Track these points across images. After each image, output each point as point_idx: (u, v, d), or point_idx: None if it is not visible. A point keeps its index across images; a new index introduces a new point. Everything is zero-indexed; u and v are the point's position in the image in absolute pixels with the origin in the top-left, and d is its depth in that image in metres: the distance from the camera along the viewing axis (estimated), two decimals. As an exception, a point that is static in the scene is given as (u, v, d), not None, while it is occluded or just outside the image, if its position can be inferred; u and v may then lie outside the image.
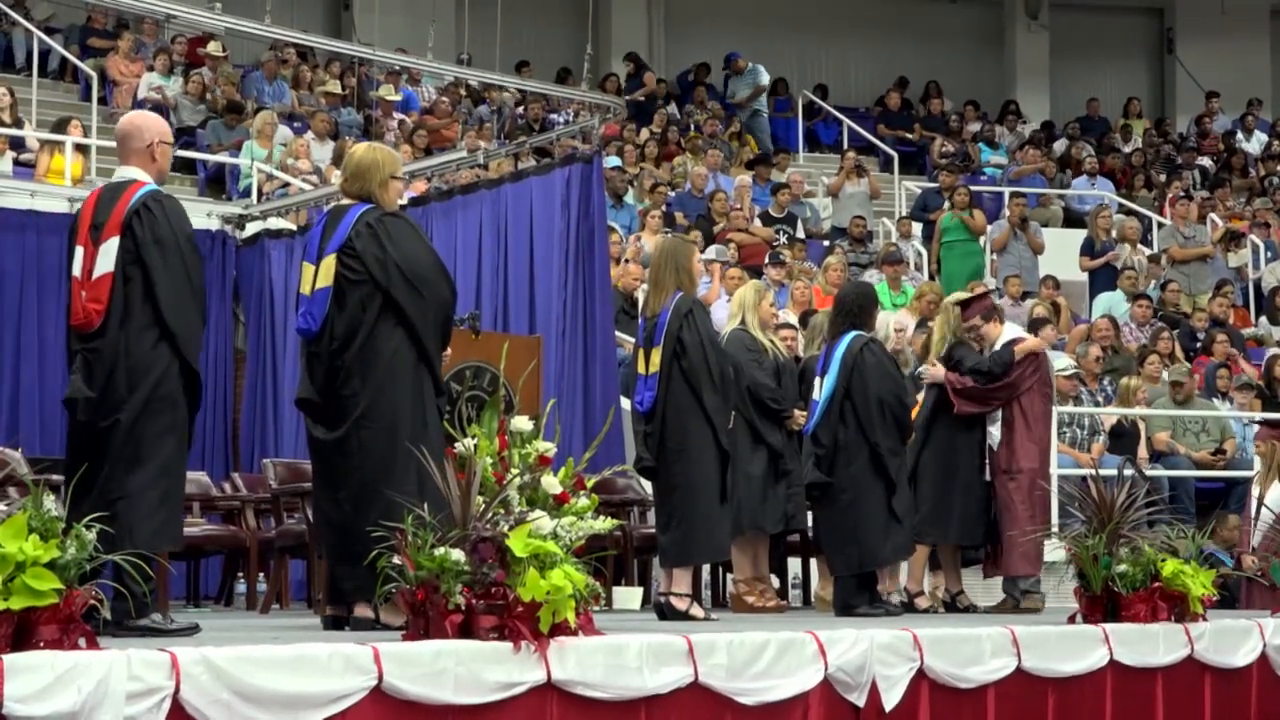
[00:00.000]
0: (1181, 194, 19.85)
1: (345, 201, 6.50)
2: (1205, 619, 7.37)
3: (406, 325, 6.27)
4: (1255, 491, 10.94)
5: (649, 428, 7.60)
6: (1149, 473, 12.15)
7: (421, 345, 6.30)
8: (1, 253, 11.65)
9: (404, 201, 11.22)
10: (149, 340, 5.82)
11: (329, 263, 6.33)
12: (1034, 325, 15.06)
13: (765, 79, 21.85)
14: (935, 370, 9.29)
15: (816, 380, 8.66)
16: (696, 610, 7.55)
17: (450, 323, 6.52)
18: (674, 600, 7.52)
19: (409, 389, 6.26)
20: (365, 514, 6.00)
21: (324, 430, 6.33)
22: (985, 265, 17.39)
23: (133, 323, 5.82)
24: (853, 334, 8.57)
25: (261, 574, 10.01)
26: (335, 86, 18.04)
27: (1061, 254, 17.87)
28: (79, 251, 5.93)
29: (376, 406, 6.22)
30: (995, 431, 9.17)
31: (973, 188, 18.58)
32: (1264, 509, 10.31)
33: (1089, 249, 17.77)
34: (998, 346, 9.33)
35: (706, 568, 10.28)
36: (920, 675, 6.10)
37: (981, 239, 17.63)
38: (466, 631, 4.76)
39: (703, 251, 14.62)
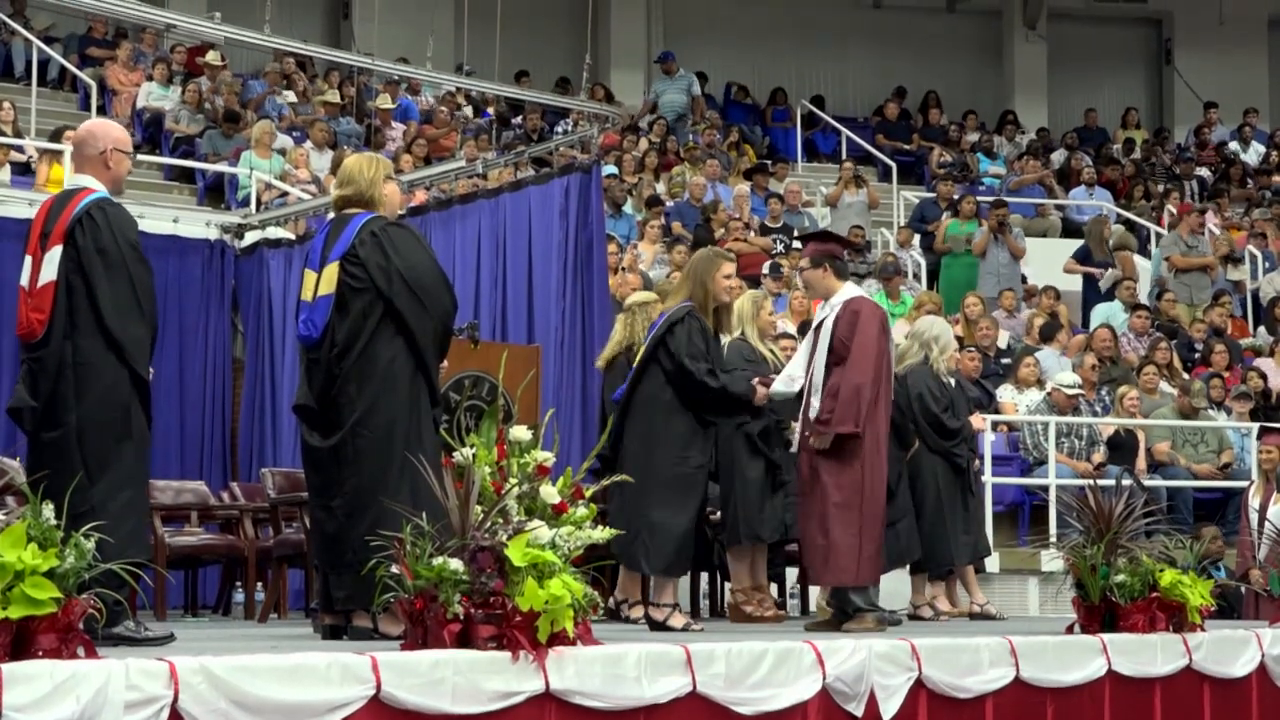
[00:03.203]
0: (1195, 206, 19.85)
1: (349, 211, 6.50)
2: (1203, 629, 7.37)
3: (406, 334, 6.28)
4: (1254, 503, 10.96)
5: (615, 419, 7.70)
6: (1147, 483, 12.16)
7: (420, 355, 6.31)
8: (1, 261, 11.63)
9: (402, 211, 11.22)
10: (95, 349, 5.83)
11: (332, 270, 6.33)
12: (1044, 332, 15.13)
13: (697, 89, 21.61)
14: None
15: None
16: (675, 620, 7.51)
17: (450, 333, 6.52)
18: (652, 610, 7.54)
19: (405, 398, 6.26)
20: (358, 522, 6.01)
21: (319, 437, 6.33)
22: (980, 276, 17.40)
23: (77, 332, 5.82)
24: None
25: (259, 583, 10.00)
26: (334, 96, 18.06)
27: (1060, 265, 17.88)
28: (27, 261, 5.95)
29: (372, 414, 6.22)
30: (815, 403, 7.66)
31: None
32: (1267, 522, 10.31)
33: (1084, 258, 17.77)
34: (823, 308, 7.87)
35: (705, 578, 10.28)
36: (918, 685, 6.10)
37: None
38: (465, 641, 4.75)
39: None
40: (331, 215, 6.65)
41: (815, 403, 7.63)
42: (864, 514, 7.54)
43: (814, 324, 7.94)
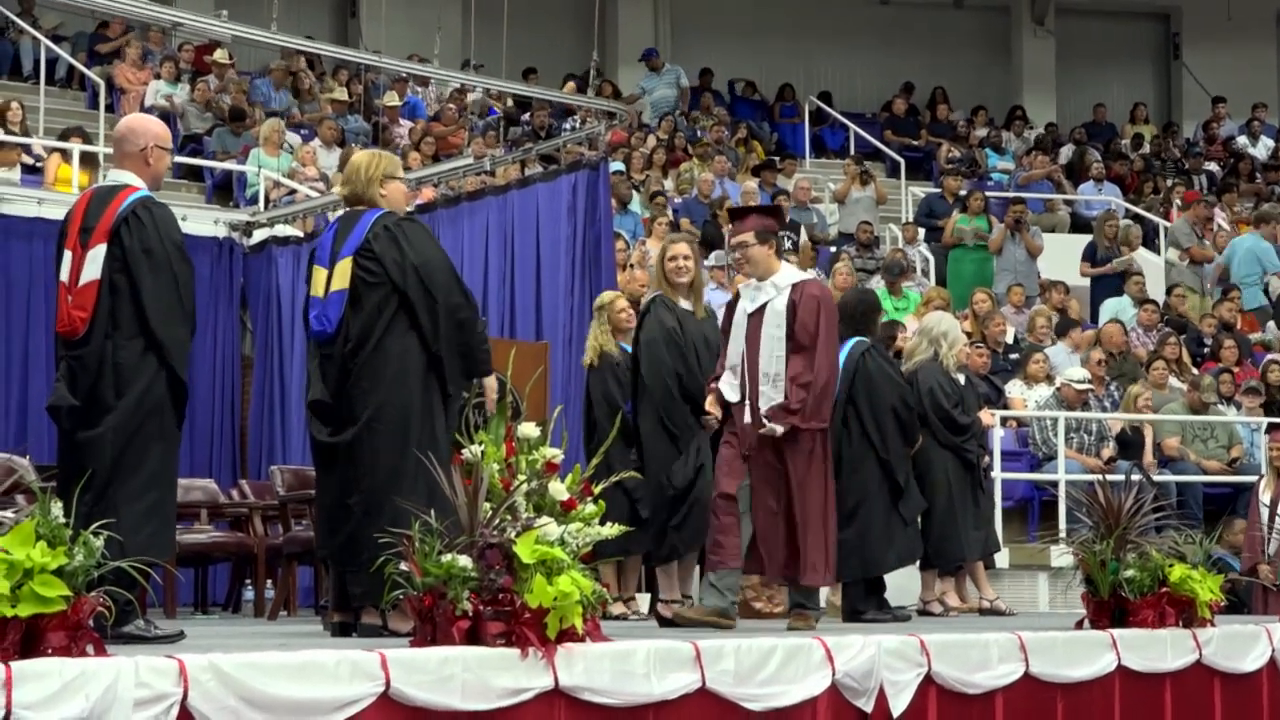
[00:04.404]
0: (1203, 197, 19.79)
1: (359, 207, 6.50)
2: (1213, 624, 7.36)
3: (419, 329, 6.28)
4: (1265, 498, 10.93)
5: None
6: (1156, 478, 12.14)
7: (432, 349, 6.30)
8: (9, 260, 11.67)
9: (410, 208, 11.23)
10: (136, 349, 5.80)
11: (345, 265, 6.32)
12: (1060, 328, 15.11)
13: (685, 81, 21.64)
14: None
15: None
16: None
17: (463, 329, 6.35)
18: (659, 607, 7.58)
19: (418, 394, 6.25)
20: (374, 520, 6.00)
21: (331, 433, 6.32)
22: (995, 273, 17.37)
23: (119, 331, 5.79)
24: (854, 340, 8.59)
25: (269, 581, 10.02)
26: (342, 94, 18.05)
27: (1069, 260, 17.85)
28: (67, 255, 5.91)
29: (385, 409, 6.21)
30: (768, 392, 7.18)
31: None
32: (1277, 517, 10.29)
33: (1091, 255, 17.75)
34: (767, 285, 7.33)
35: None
36: (928, 681, 6.10)
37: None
38: (474, 638, 4.76)
39: (705, 257, 14.64)
40: (341, 211, 6.65)
41: (768, 392, 7.14)
42: (831, 512, 7.32)
43: (750, 306, 7.30)
